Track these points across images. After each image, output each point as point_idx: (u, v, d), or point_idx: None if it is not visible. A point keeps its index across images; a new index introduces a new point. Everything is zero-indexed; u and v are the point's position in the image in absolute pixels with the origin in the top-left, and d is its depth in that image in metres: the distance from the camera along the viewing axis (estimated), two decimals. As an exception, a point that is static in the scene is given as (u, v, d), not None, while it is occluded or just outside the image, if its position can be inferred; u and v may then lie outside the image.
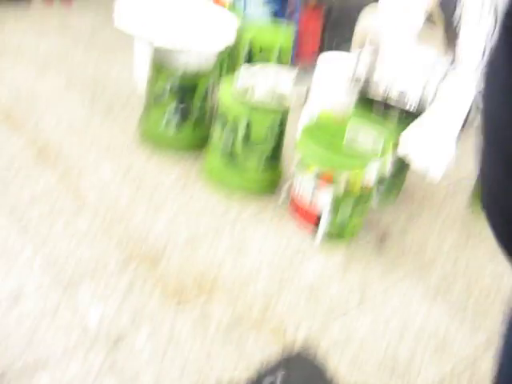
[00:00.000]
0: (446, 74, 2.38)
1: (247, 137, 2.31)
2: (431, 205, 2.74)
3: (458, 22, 2.89)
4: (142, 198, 2.29)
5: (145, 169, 2.50)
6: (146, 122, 2.66)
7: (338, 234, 2.24)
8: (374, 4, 3.33)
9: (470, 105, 2.41)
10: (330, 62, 3.02)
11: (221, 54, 2.83)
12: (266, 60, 3.22)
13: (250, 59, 3.26)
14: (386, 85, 2.41)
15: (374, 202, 2.29)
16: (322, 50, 4.16)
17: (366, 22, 3.21)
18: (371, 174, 2.09)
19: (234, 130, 2.30)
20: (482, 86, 0.75)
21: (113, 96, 3.11)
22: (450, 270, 2.27)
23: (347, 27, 3.65)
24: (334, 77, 2.88)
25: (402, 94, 2.40)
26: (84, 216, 2.14)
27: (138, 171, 2.47)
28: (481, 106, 0.76)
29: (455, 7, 2.91)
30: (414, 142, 2.38)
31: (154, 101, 2.57)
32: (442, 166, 2.44)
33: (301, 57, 4.04)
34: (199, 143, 2.67)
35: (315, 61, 3.97)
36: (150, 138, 2.66)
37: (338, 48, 4.11)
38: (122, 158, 2.54)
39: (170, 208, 2.26)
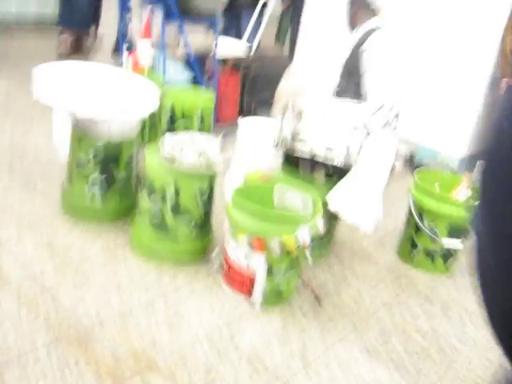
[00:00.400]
0: (368, 129, 2.45)
1: (176, 205, 2.26)
2: (362, 257, 2.78)
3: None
4: (68, 273, 2.18)
5: (69, 241, 2.38)
6: (69, 192, 2.57)
7: (274, 297, 2.21)
8: (290, 66, 3.46)
9: (393, 157, 2.48)
10: (252, 125, 3.06)
11: (143, 121, 2.80)
12: (189, 125, 3.23)
13: (172, 125, 3.26)
14: (312, 142, 2.44)
15: (308, 259, 2.28)
16: (241, 113, 4.25)
17: (287, 84, 3.30)
18: (304, 235, 2.09)
19: (162, 199, 2.25)
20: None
21: (32, 166, 2.99)
22: (387, 325, 2.28)
23: (265, 90, 3.76)
24: (258, 140, 2.91)
25: (328, 151, 2.43)
26: (6, 295, 2.00)
27: (63, 244, 2.35)
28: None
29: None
30: (343, 198, 2.42)
31: (76, 171, 2.49)
32: (372, 219, 2.48)
33: (221, 121, 4.09)
34: (125, 213, 2.59)
35: (236, 124, 4.05)
36: (74, 209, 2.56)
37: (257, 110, 4.21)
38: (44, 232, 2.42)
39: (98, 282, 2.16)
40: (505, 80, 3.87)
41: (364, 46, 3.13)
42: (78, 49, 5.51)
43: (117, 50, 5.63)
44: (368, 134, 2.43)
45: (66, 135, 2.94)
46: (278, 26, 5.99)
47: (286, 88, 3.17)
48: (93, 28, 5.99)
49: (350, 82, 3.27)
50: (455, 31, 4.00)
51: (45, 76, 2.38)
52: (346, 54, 3.32)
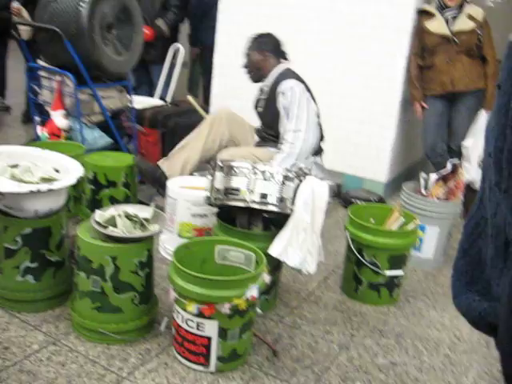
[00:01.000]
0: (298, 174, 2.48)
1: (117, 282, 2.18)
2: (310, 302, 2.77)
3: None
4: (12, 375, 2.03)
5: (8, 338, 2.23)
6: (0, 284, 2.42)
7: (232, 360, 2.15)
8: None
9: (326, 198, 2.51)
10: (180, 184, 3.03)
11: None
12: (114, 193, 3.17)
13: (97, 194, 3.19)
14: (245, 194, 2.43)
15: (257, 312, 2.25)
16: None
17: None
18: (252, 291, 2.06)
19: (102, 278, 2.16)
20: None
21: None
22: (349, 369, 2.27)
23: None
24: (186, 197, 2.89)
25: (262, 199, 2.43)
26: None
27: (2, 342, 2.20)
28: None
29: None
30: (284, 244, 2.41)
31: (5, 261, 2.36)
32: (314, 261, 2.49)
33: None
34: (63, 297, 2.48)
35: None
36: (8, 301, 2.41)
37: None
38: (-23, 331, 2.26)
39: (47, 379, 2.02)
40: (416, 104, 4.06)
41: (278, 89, 3.19)
42: (-15, 123, 5.32)
43: (27, 118, 5.48)
44: (299, 179, 2.46)
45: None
46: (189, 76, 6.02)
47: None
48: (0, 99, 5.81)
49: (270, 129, 3.31)
50: (365, 62, 4.15)
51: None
52: (261, 100, 3.38)
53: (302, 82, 3.24)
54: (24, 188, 2.19)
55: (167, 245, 3.04)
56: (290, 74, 3.26)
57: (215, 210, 2.70)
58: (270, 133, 3.35)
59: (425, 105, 4.04)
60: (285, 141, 3.11)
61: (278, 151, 3.15)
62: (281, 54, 3.38)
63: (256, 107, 3.47)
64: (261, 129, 3.46)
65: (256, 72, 3.36)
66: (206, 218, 2.94)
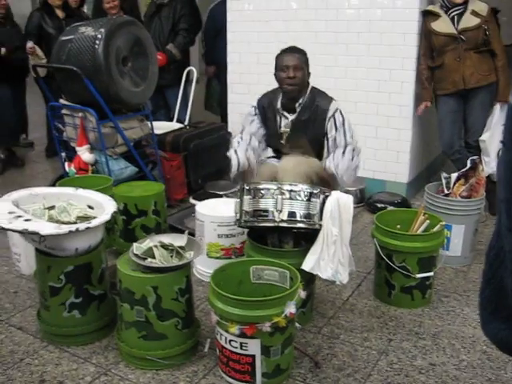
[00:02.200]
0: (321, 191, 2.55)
1: (161, 311, 2.28)
2: (346, 310, 2.84)
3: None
4: (68, 407, 2.14)
5: (61, 372, 2.34)
6: (48, 321, 2.54)
7: (274, 371, 2.23)
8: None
9: (351, 209, 2.58)
10: (208, 207, 3.13)
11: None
12: (145, 221, 3.26)
13: (129, 225, 3.28)
14: (274, 214, 2.52)
15: (297, 326, 2.33)
16: (190, 192, 4.34)
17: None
18: (290, 308, 2.14)
19: (146, 308, 2.27)
20: None
21: (0, 295, 2.94)
22: (389, 374, 2.33)
23: (208, 163, 3.85)
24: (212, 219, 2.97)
25: (291, 215, 2.51)
26: None
27: (56, 377, 2.31)
28: None
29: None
30: (316, 257, 2.50)
31: (51, 299, 2.47)
32: (346, 271, 2.57)
33: (172, 204, 4.17)
34: (108, 323, 2.60)
35: (187, 203, 4.12)
36: (56, 337, 2.53)
37: (204, 185, 4.30)
38: (34, 368, 2.37)
39: (102, 408, 2.14)
40: (423, 103, 4.11)
41: (328, 113, 3.01)
42: (11, 162, 5.48)
43: (51, 152, 5.64)
44: (324, 195, 2.53)
45: (30, 257, 2.94)
46: (206, 94, 6.12)
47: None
48: (23, 136, 5.98)
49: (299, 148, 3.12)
50: (375, 68, 4.23)
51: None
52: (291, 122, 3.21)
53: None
54: (63, 229, 2.30)
55: (199, 265, 3.14)
56: (322, 93, 3.10)
57: (241, 229, 2.78)
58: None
59: (429, 105, 4.10)
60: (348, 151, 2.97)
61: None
62: None
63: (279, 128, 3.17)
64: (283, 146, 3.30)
65: (301, 88, 3.04)
66: (232, 237, 3.04)
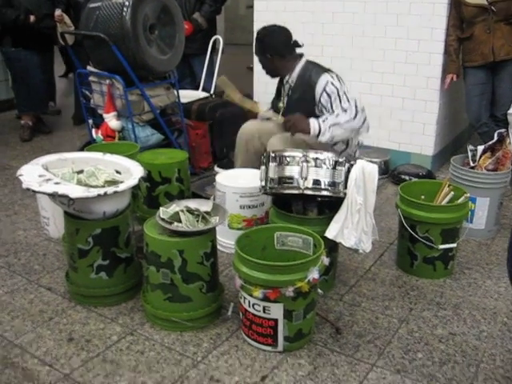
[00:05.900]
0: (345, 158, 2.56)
1: (186, 274, 2.33)
2: (368, 279, 2.87)
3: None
4: (97, 365, 2.21)
5: (88, 331, 2.42)
6: (76, 282, 2.61)
7: (298, 340, 2.28)
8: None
9: (376, 179, 2.59)
10: (229, 178, 3.14)
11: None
12: (168, 189, 3.29)
13: (152, 192, 3.31)
14: (299, 182, 2.53)
15: (319, 292, 2.36)
16: (215, 160, 4.37)
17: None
18: (313, 274, 2.17)
19: (172, 271, 2.32)
20: None
21: (30, 262, 3.02)
22: (410, 342, 2.36)
23: (233, 132, 3.84)
24: (234, 190, 3.01)
25: (316, 183, 2.53)
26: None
27: (83, 336, 2.39)
28: None
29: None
30: (339, 226, 2.52)
31: (79, 261, 2.54)
32: (369, 240, 2.59)
33: (197, 172, 4.20)
34: (135, 290, 2.67)
35: (211, 171, 4.15)
36: (84, 298, 2.61)
37: (229, 154, 4.32)
38: (62, 327, 2.45)
39: (128, 367, 2.20)
40: (449, 75, 4.06)
41: (317, 89, 3.15)
42: (39, 130, 5.56)
43: (78, 120, 5.71)
44: (350, 163, 2.54)
45: (58, 220, 3.01)
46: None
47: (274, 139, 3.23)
48: (51, 104, 6.05)
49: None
50: (404, 38, 4.18)
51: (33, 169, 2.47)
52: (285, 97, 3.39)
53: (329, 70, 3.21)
54: (92, 192, 2.34)
55: (219, 236, 3.15)
56: (314, 67, 3.23)
57: (262, 200, 2.81)
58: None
59: (455, 78, 4.04)
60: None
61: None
62: (292, 48, 3.31)
63: (276, 102, 3.48)
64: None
65: (275, 72, 3.38)
66: (254, 208, 3.05)
